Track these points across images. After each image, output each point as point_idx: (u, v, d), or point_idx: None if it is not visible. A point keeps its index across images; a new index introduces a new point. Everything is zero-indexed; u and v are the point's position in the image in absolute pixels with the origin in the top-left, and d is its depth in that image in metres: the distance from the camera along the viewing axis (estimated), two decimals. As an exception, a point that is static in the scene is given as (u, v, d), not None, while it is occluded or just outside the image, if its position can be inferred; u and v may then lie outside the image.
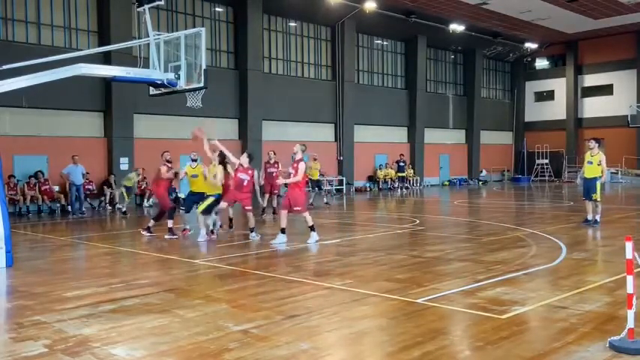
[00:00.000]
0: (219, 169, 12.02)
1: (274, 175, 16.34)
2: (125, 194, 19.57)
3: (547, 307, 6.16)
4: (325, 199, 21.22)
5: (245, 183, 11.83)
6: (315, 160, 20.98)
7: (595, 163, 13.53)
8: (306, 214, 11.32)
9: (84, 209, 18.71)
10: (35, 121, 19.79)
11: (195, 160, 12.82)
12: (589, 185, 13.62)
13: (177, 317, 5.97)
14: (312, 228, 11.30)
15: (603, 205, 14.29)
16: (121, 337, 5.31)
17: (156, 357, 4.80)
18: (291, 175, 11.34)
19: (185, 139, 23.17)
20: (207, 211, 11.78)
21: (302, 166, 11.22)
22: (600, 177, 13.54)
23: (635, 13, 31.25)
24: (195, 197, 12.44)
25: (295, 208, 11.22)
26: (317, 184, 21.25)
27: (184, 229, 12.79)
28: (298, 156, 11.40)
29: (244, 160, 11.96)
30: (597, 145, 13.76)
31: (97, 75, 12.37)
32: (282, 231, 11.24)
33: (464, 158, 37.61)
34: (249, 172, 11.93)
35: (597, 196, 13.42)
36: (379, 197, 26.26)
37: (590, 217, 13.54)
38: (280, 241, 11.10)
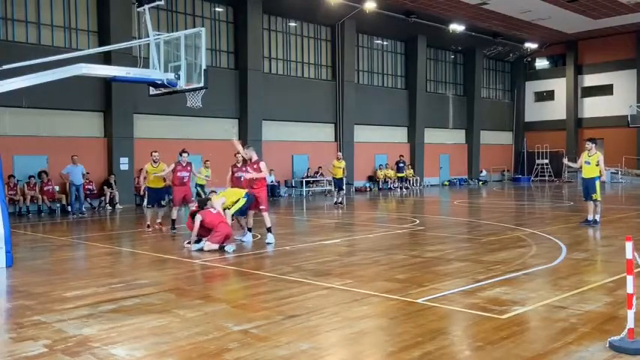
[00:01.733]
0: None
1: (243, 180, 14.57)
2: (202, 194, 18.31)
3: (547, 307, 6.16)
4: (340, 199, 21.01)
5: (185, 180, 13.48)
6: (339, 159, 21.23)
7: (593, 164, 13.55)
8: (266, 214, 11.52)
9: (84, 209, 18.72)
10: (35, 121, 19.80)
11: (156, 161, 14.02)
12: (588, 185, 13.64)
13: (177, 317, 5.97)
14: (269, 230, 11.38)
15: (603, 205, 14.31)
16: (121, 337, 5.31)
17: (156, 357, 4.80)
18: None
19: (185, 140, 23.32)
20: (241, 213, 11.84)
21: (263, 164, 11.62)
22: (599, 177, 13.55)
23: (635, 13, 31.26)
24: (160, 193, 14.18)
25: (261, 207, 11.49)
26: (339, 183, 21.14)
27: (154, 225, 13.69)
28: (255, 157, 11.70)
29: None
30: (594, 145, 13.77)
31: (97, 75, 12.37)
32: (249, 230, 11.72)
33: (464, 158, 37.61)
34: (188, 168, 13.54)
35: (597, 195, 13.44)
36: (379, 197, 26.26)
37: (590, 217, 13.54)
38: (247, 239, 11.53)
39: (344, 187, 21.65)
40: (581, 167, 13.97)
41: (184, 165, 13.43)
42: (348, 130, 29.63)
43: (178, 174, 13.40)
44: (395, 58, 33.78)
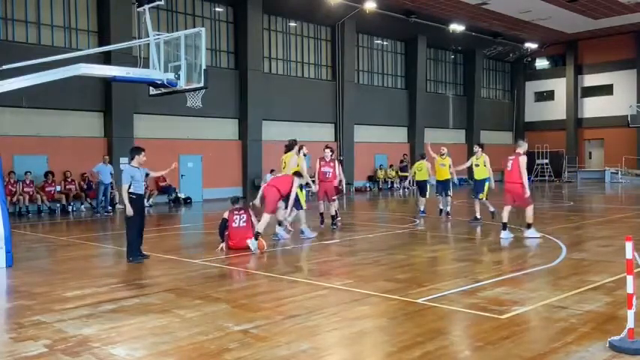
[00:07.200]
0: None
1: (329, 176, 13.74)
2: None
3: (547, 307, 6.16)
4: (448, 207, 16.09)
5: (329, 175, 13.45)
6: (442, 154, 16.22)
7: (481, 165, 14.63)
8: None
9: (109, 208, 19.01)
10: (35, 121, 19.80)
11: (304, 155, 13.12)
12: (478, 186, 14.79)
13: (177, 317, 5.97)
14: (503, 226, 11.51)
15: (605, 205, 14.41)
16: (121, 337, 5.31)
17: (156, 357, 4.80)
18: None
19: (185, 140, 23.32)
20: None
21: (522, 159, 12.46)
22: (488, 178, 14.62)
23: (635, 13, 31.26)
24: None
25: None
26: (445, 187, 16.10)
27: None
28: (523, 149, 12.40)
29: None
30: (481, 149, 14.94)
31: (97, 75, 12.36)
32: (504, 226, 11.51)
33: (464, 158, 37.46)
34: (331, 164, 13.57)
35: (484, 195, 14.55)
36: (379, 197, 26.25)
37: (478, 215, 14.54)
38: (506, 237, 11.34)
39: (450, 192, 16.21)
40: (472, 169, 14.99)
41: (327, 160, 13.73)
42: (348, 130, 29.62)
43: (322, 169, 13.71)
44: (395, 58, 33.77)
